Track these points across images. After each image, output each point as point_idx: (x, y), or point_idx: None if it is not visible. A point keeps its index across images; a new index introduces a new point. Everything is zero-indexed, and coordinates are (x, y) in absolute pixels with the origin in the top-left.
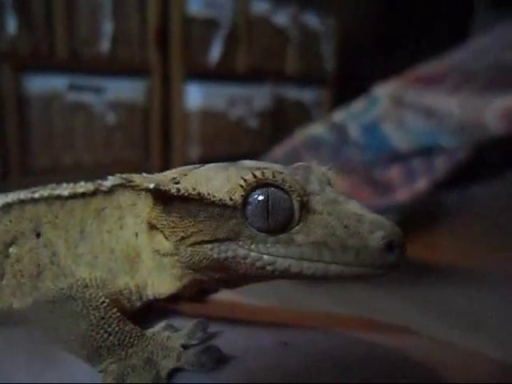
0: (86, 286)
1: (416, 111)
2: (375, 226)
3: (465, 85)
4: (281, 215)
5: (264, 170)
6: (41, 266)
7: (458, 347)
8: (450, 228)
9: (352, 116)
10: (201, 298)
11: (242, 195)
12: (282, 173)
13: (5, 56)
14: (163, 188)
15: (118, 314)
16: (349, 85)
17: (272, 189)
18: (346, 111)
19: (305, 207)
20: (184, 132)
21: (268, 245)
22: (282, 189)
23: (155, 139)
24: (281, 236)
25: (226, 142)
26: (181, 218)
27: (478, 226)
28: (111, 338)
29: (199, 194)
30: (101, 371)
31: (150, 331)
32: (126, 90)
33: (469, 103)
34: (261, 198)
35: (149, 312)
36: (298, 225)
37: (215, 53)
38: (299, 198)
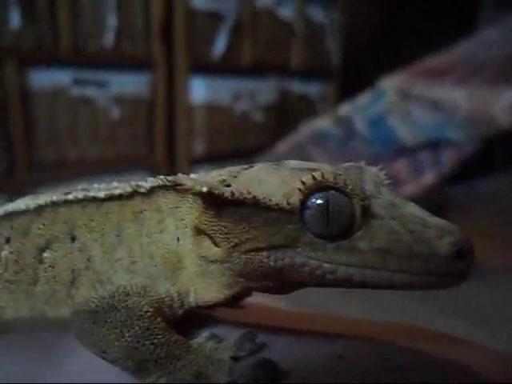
0: (128, 294)
1: (423, 104)
2: (443, 232)
3: (472, 77)
4: (342, 220)
5: (324, 172)
6: (75, 271)
7: (499, 353)
8: (457, 222)
9: (358, 109)
10: (236, 303)
11: (300, 199)
12: (341, 174)
13: (9, 50)
14: (216, 191)
15: (163, 323)
16: (354, 78)
17: (332, 192)
18: (351, 104)
19: (366, 212)
20: (188, 126)
21: (328, 252)
22: (343, 192)
23: (160, 133)
24: (342, 242)
25: (230, 137)
26: (234, 223)
27: (485, 221)
28: (158, 349)
29: (254, 197)
30: None
31: (195, 342)
32: (131, 84)
33: (476, 96)
34: (320, 201)
35: (186, 320)
36: (359, 230)
37: (220, 46)
38: (362, 202)
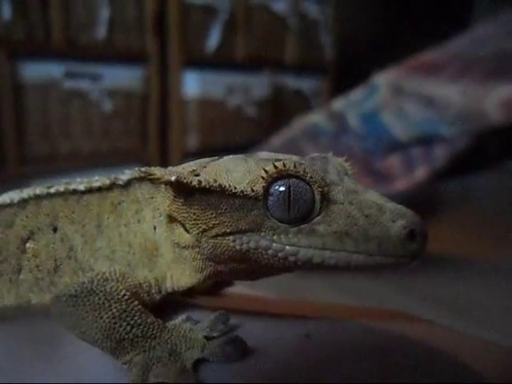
0: (107, 280)
1: (416, 100)
2: (396, 215)
3: (465, 73)
4: (302, 206)
5: (285, 161)
6: (58, 260)
7: (475, 337)
8: (448, 217)
9: (351, 105)
10: (216, 292)
11: (264, 186)
12: (302, 163)
13: None
14: (185, 180)
15: (140, 306)
16: (348, 73)
17: (293, 180)
18: (345, 100)
19: (326, 198)
20: (181, 120)
21: (290, 235)
22: (303, 179)
23: (152, 127)
24: (302, 226)
25: (223, 131)
26: (202, 210)
27: (476, 216)
28: (134, 330)
29: (220, 185)
30: (125, 363)
31: (171, 323)
32: (123, 77)
33: (469, 92)
34: (282, 188)
35: (167, 306)
36: (319, 215)
37: (213, 40)
38: (320, 189)
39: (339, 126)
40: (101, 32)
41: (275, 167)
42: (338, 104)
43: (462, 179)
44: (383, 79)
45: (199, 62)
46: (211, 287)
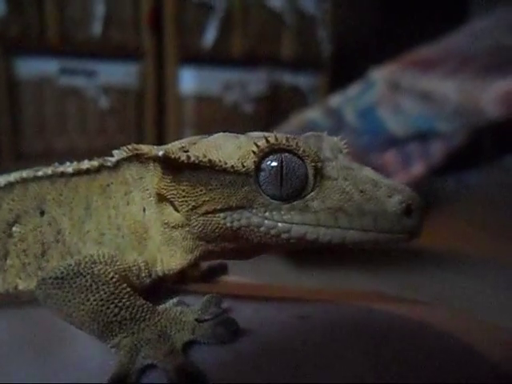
0: (94, 262)
1: (412, 95)
2: (392, 190)
3: (462, 68)
4: (295, 181)
5: (277, 135)
6: (45, 244)
7: (471, 317)
8: (444, 213)
9: (348, 100)
10: (211, 280)
11: (255, 161)
12: (295, 138)
13: None
14: (173, 156)
15: (129, 289)
16: (345, 69)
17: (286, 154)
18: (341, 96)
19: (319, 173)
20: (178, 116)
21: (282, 212)
22: (296, 154)
23: (149, 124)
24: (295, 203)
25: (220, 127)
26: (192, 186)
27: (472, 212)
28: (122, 312)
29: (210, 161)
30: (113, 346)
31: (161, 307)
32: (119, 73)
33: (466, 87)
34: (274, 164)
35: (159, 291)
36: (312, 191)
37: (210, 36)
38: (313, 164)
39: (336, 122)
40: (96, 28)
41: (267, 141)
42: (335, 100)
43: (459, 175)
44: (380, 75)
45: (196, 58)
46: (205, 275)
